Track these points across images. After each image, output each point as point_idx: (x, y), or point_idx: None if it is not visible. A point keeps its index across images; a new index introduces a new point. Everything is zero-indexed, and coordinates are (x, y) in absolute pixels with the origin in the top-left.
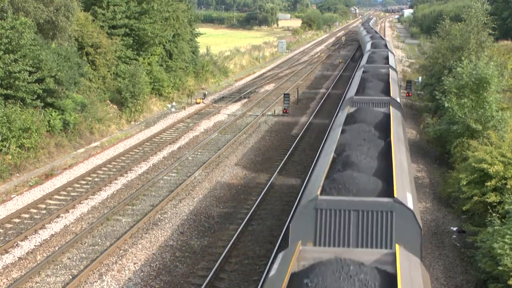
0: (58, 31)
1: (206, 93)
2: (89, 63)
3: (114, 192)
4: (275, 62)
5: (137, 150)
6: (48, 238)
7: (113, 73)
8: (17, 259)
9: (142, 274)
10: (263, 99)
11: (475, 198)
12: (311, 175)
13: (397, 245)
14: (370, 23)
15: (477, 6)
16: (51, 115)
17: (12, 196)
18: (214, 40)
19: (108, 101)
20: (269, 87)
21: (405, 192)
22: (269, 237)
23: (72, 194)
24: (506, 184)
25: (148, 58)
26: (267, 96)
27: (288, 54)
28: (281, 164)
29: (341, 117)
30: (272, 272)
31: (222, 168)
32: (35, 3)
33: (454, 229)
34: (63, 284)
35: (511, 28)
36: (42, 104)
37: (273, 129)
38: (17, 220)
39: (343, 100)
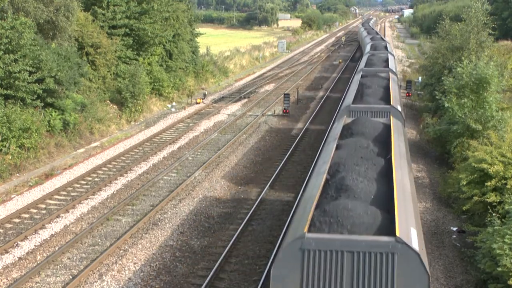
0: (58, 31)
1: (206, 93)
2: (89, 63)
3: (114, 192)
4: (275, 62)
5: (137, 150)
6: (48, 238)
7: (113, 73)
8: (17, 259)
9: (142, 274)
10: (263, 99)
11: (475, 198)
12: (299, 202)
13: None
14: (370, 23)
15: (477, 6)
16: (51, 115)
17: (12, 196)
18: (214, 40)
19: (108, 101)
20: (269, 87)
21: (409, 228)
22: (269, 237)
23: (72, 194)
24: (506, 184)
25: (148, 58)
26: (267, 96)
27: (288, 54)
28: (281, 164)
29: (337, 128)
30: None
31: (222, 168)
32: (35, 3)
33: (454, 229)
34: (63, 284)
35: (511, 28)
36: (42, 104)
37: (273, 129)
38: (17, 220)
39: (339, 109)
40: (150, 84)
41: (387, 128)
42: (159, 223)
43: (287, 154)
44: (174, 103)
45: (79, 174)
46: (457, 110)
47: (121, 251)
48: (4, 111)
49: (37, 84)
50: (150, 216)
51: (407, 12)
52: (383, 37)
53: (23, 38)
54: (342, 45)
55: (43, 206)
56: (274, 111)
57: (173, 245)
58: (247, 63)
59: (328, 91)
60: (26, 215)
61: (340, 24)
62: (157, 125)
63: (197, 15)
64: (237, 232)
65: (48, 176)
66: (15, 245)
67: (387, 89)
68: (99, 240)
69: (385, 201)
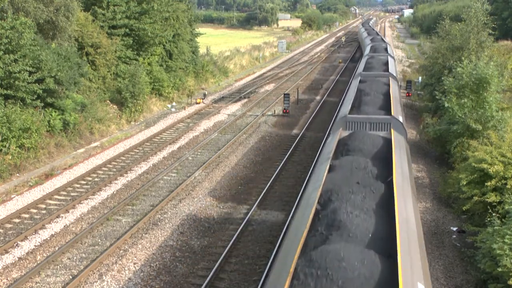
0: (58, 31)
1: (206, 93)
2: (89, 63)
3: (114, 192)
4: (275, 62)
5: (137, 150)
6: (48, 238)
7: (113, 73)
8: (17, 259)
9: (142, 274)
10: (263, 99)
11: (475, 198)
12: (283, 243)
13: None
14: (370, 23)
15: (477, 6)
16: (51, 115)
17: (12, 196)
18: (214, 40)
19: (108, 101)
20: (269, 87)
21: (415, 283)
22: (269, 236)
23: (72, 194)
24: (506, 184)
25: (148, 58)
26: (267, 96)
27: (288, 54)
28: (281, 164)
29: (331, 143)
30: None
31: (222, 168)
32: (35, 3)
33: (454, 229)
34: (63, 284)
35: (511, 28)
36: (42, 104)
37: (273, 129)
38: (17, 220)
39: (335, 119)
40: (150, 84)
41: (388, 143)
42: (159, 223)
43: (287, 154)
44: (174, 103)
45: (79, 174)
46: (457, 110)
47: (121, 251)
48: (4, 111)
49: (37, 84)
50: (150, 216)
51: (407, 12)
52: (384, 38)
53: (23, 38)
54: (342, 45)
55: (43, 206)
56: (274, 111)
57: (173, 245)
58: (247, 63)
59: (328, 91)
60: (26, 215)
61: (340, 24)
62: (157, 125)
63: (197, 15)
64: (237, 233)
65: (48, 176)
66: (15, 245)
67: (387, 96)
68: (99, 240)
69: (385, 240)
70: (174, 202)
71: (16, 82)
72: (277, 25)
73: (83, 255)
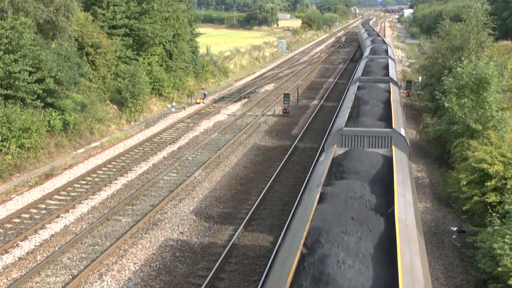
0: (58, 31)
1: (206, 93)
2: (89, 63)
3: (114, 192)
4: (275, 62)
5: (137, 150)
6: (48, 238)
7: (113, 73)
8: (17, 259)
9: (142, 274)
10: (263, 99)
11: (475, 198)
12: None
13: None
14: (370, 23)
15: (477, 6)
16: (51, 115)
17: (12, 196)
18: (214, 40)
19: (108, 101)
20: (269, 87)
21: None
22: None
23: (72, 194)
24: (506, 184)
25: (148, 58)
26: (267, 96)
27: (288, 54)
28: (281, 164)
29: (324, 163)
30: None
31: (222, 168)
32: (35, 3)
33: (454, 229)
34: (63, 284)
35: (511, 28)
36: (42, 104)
37: (273, 129)
38: (17, 220)
39: (329, 131)
40: (150, 84)
41: (388, 163)
42: (159, 223)
43: (287, 154)
44: (174, 103)
45: (79, 174)
46: (457, 110)
47: (121, 251)
48: (4, 111)
49: (37, 84)
50: (150, 216)
51: (407, 12)
52: (384, 39)
53: (23, 38)
54: (342, 46)
55: (43, 206)
56: (274, 111)
57: (173, 245)
58: (247, 63)
59: (328, 91)
60: (26, 215)
61: (340, 24)
62: (157, 125)
63: (197, 15)
64: (237, 233)
65: (48, 176)
66: (15, 245)
67: (387, 104)
68: (99, 240)
69: None
70: (174, 202)
71: (16, 82)
72: (277, 25)
73: (83, 255)
